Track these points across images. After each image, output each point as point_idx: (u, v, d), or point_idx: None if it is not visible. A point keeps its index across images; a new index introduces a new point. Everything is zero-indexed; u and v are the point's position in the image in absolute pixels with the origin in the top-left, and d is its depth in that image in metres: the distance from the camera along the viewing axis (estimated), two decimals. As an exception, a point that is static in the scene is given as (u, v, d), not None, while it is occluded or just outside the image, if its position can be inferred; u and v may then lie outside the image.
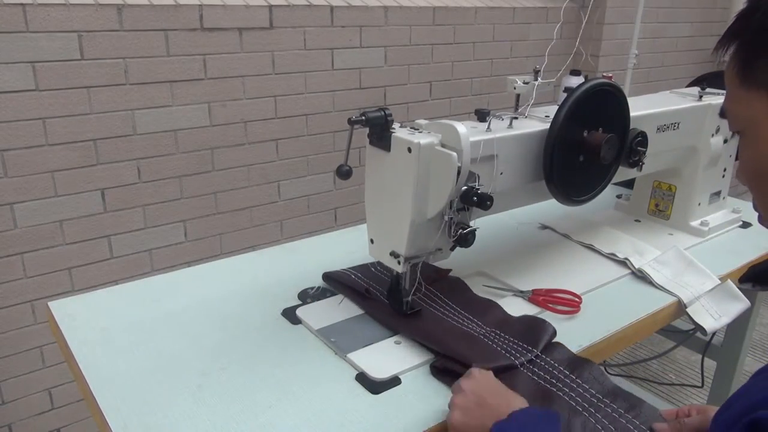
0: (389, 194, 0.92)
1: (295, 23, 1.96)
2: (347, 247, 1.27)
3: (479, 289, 1.11)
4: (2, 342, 1.71)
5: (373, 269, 1.16)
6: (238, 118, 1.94)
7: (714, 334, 1.19)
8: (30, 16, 1.52)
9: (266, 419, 0.79)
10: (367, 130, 0.91)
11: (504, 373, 0.85)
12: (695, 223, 1.41)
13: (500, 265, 1.21)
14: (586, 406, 0.80)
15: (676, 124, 1.28)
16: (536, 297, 1.08)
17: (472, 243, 0.92)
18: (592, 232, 1.37)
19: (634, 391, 1.93)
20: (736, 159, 0.86)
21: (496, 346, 0.92)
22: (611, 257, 1.26)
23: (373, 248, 1.00)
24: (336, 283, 1.12)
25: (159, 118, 1.79)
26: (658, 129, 1.24)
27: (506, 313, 1.02)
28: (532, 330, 0.95)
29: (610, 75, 1.10)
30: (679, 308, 1.13)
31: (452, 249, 0.97)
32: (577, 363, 0.89)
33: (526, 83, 1.06)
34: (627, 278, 1.20)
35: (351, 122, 0.85)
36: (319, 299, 1.08)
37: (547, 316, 1.04)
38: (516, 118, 1.05)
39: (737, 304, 1.15)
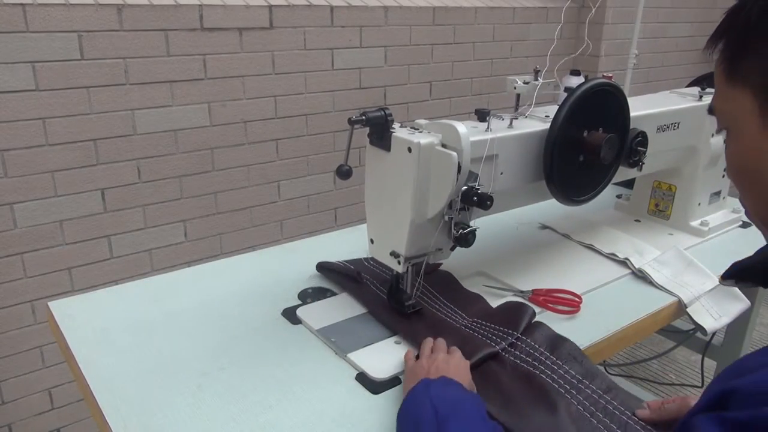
0: (389, 194, 0.92)
1: (295, 23, 1.96)
2: (347, 247, 1.27)
3: (479, 289, 1.11)
4: (2, 342, 1.71)
5: (366, 263, 1.18)
6: (238, 118, 1.94)
7: (714, 334, 1.19)
8: (30, 16, 1.52)
9: (266, 419, 0.79)
10: (367, 130, 0.91)
11: (487, 361, 0.89)
12: (695, 223, 1.41)
13: (500, 265, 1.21)
14: (568, 387, 0.83)
15: (676, 124, 1.28)
16: (536, 297, 1.08)
17: (472, 243, 0.92)
18: (592, 232, 1.37)
19: (634, 391, 1.93)
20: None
21: (478, 335, 0.94)
22: (611, 257, 1.26)
23: (374, 248, 1.00)
24: (329, 272, 1.15)
25: (159, 118, 1.79)
26: (658, 129, 1.24)
27: (489, 305, 1.05)
28: (512, 314, 0.98)
29: (610, 75, 1.10)
30: (679, 308, 1.13)
31: (452, 249, 0.97)
32: (557, 342, 0.93)
33: (526, 83, 1.06)
34: (627, 278, 1.20)
35: (351, 122, 0.85)
36: (318, 299, 1.08)
37: (547, 316, 1.04)
38: (516, 118, 1.05)
39: (737, 304, 1.15)
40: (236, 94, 1.91)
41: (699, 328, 1.12)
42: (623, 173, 1.20)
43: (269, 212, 2.12)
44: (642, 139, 1.16)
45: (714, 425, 0.43)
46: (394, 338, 0.97)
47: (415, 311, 1.00)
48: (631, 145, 1.15)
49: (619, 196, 1.55)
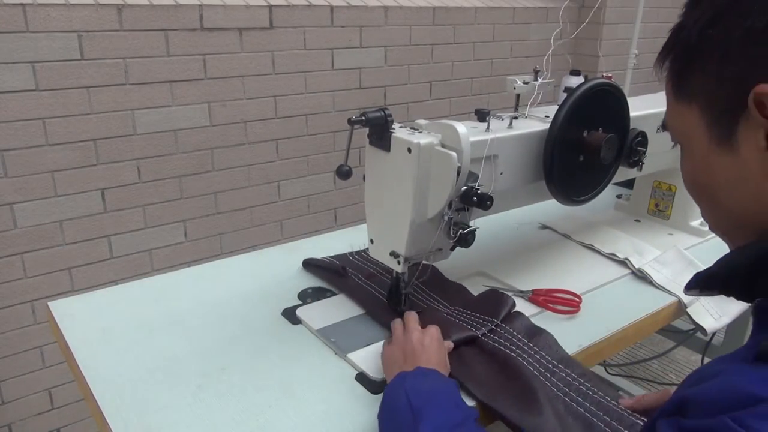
0: (389, 194, 0.92)
1: (295, 23, 1.96)
2: (347, 248, 1.27)
3: (479, 289, 1.11)
4: (2, 342, 1.71)
5: (351, 257, 1.21)
6: (238, 118, 1.94)
7: (714, 334, 1.19)
8: (30, 16, 1.52)
9: (266, 419, 0.79)
10: (367, 130, 0.91)
11: (468, 344, 0.92)
12: (695, 223, 1.41)
13: (500, 265, 1.21)
14: (543, 371, 0.86)
15: (676, 124, 1.28)
16: (536, 297, 1.08)
17: (472, 243, 0.92)
18: (592, 232, 1.37)
19: (634, 391, 1.93)
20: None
21: (460, 322, 0.97)
22: (611, 257, 1.26)
23: (373, 248, 1.00)
24: (314, 267, 1.18)
25: (159, 118, 1.79)
26: (658, 129, 1.24)
27: (471, 294, 1.08)
28: (493, 303, 1.01)
29: (610, 75, 1.10)
30: (679, 308, 1.13)
31: (452, 249, 0.97)
32: (534, 331, 0.96)
33: (526, 83, 1.06)
34: (627, 278, 1.20)
35: (351, 122, 0.85)
36: (318, 299, 1.08)
37: (547, 316, 1.04)
38: (516, 118, 1.05)
39: (737, 304, 1.15)
40: (236, 94, 1.91)
41: (699, 328, 1.12)
42: (623, 173, 1.20)
43: (269, 212, 2.12)
44: (642, 139, 1.16)
45: (670, 430, 0.45)
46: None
47: (418, 312, 1.00)
48: (631, 145, 1.15)
49: (619, 196, 1.55)
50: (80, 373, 0.88)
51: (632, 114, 1.11)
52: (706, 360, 1.56)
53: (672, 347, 1.55)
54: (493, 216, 1.01)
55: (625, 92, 1.10)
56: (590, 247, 1.31)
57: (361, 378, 0.87)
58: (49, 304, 1.05)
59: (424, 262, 0.98)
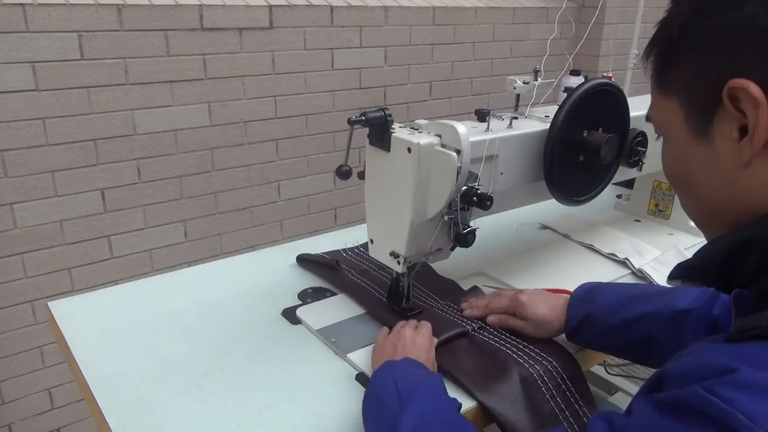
0: (389, 194, 0.92)
1: (295, 23, 1.96)
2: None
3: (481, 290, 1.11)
4: (2, 342, 1.71)
5: (344, 253, 1.22)
6: (238, 118, 1.94)
7: (714, 334, 1.18)
8: (30, 16, 1.52)
9: (266, 419, 0.79)
10: (367, 130, 0.91)
11: (458, 338, 0.94)
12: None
13: (500, 265, 1.21)
14: (531, 362, 0.88)
15: (676, 124, 1.28)
16: (536, 297, 1.08)
17: (472, 243, 0.92)
18: (592, 232, 1.37)
19: (634, 391, 1.92)
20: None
21: (451, 317, 0.99)
22: (611, 257, 1.26)
23: (373, 248, 1.00)
24: (308, 263, 1.19)
25: (159, 118, 1.79)
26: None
27: (462, 290, 1.09)
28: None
29: (610, 75, 1.10)
30: (679, 308, 1.13)
31: (452, 249, 0.97)
32: None
33: (526, 83, 1.06)
34: (627, 278, 1.20)
35: (351, 122, 0.85)
36: (318, 299, 1.08)
37: (547, 316, 1.04)
38: (516, 118, 1.05)
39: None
40: (236, 94, 1.91)
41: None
42: (623, 173, 1.20)
43: (269, 212, 2.12)
44: (642, 139, 1.16)
45: (648, 406, 0.47)
46: (394, 338, 0.97)
47: (416, 313, 1.00)
48: (631, 145, 1.14)
49: (619, 196, 1.55)
50: (80, 373, 0.88)
51: (632, 114, 1.11)
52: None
53: (672, 347, 1.55)
54: (493, 216, 1.01)
55: (625, 92, 1.10)
56: (590, 247, 1.31)
57: (361, 378, 0.87)
58: (49, 304, 1.05)
59: (431, 262, 0.99)
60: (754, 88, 0.46)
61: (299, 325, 1.01)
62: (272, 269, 1.20)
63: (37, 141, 1.61)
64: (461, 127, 0.87)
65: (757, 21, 0.46)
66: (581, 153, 1.05)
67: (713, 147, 0.51)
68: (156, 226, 1.88)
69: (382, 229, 0.97)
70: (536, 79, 1.06)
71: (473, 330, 0.96)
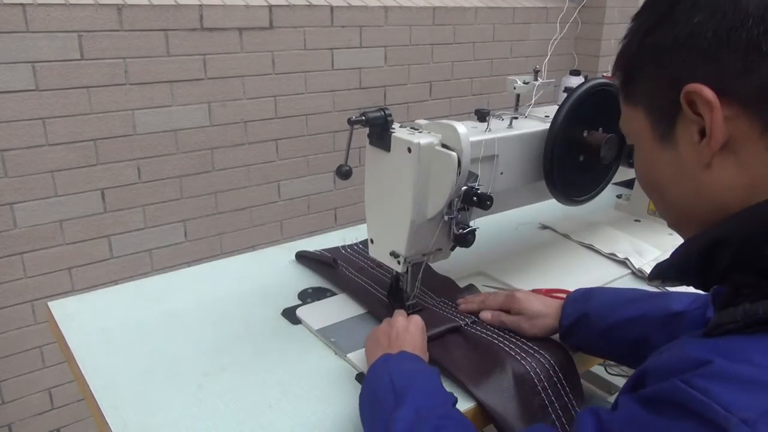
0: (389, 194, 0.92)
1: (295, 23, 1.96)
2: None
3: (479, 289, 1.11)
4: (2, 342, 1.71)
5: (342, 250, 1.22)
6: (238, 118, 1.94)
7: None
8: (30, 16, 1.52)
9: (266, 419, 0.79)
10: (367, 130, 0.91)
11: (452, 333, 0.95)
12: (695, 223, 1.41)
13: (500, 265, 1.21)
14: (523, 354, 0.90)
15: (676, 124, 1.28)
16: (536, 297, 1.08)
17: (472, 243, 0.92)
18: (592, 232, 1.37)
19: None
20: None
21: (444, 313, 1.00)
22: (611, 257, 1.26)
23: (373, 248, 1.00)
24: (307, 260, 1.20)
25: (159, 118, 1.79)
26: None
27: (458, 286, 1.10)
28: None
29: (610, 75, 1.10)
30: (679, 308, 1.13)
31: (452, 249, 0.97)
32: None
33: (526, 83, 1.06)
34: (627, 278, 1.20)
35: (351, 122, 0.85)
36: (318, 299, 1.08)
37: (547, 316, 1.04)
38: (516, 118, 1.05)
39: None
40: (236, 94, 1.91)
41: (699, 328, 1.12)
42: (623, 173, 1.20)
43: (269, 212, 2.12)
44: (641, 139, 1.16)
45: (631, 401, 0.49)
46: (394, 338, 0.97)
47: (417, 311, 1.00)
48: (630, 145, 1.14)
49: (619, 196, 1.55)
50: (80, 373, 0.88)
51: (632, 114, 1.11)
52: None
53: (672, 347, 1.55)
54: (493, 216, 1.01)
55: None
56: (590, 247, 1.31)
57: (361, 378, 0.87)
58: (49, 304, 1.05)
59: (431, 261, 0.99)
60: (708, 92, 0.49)
61: (299, 325, 1.01)
62: (272, 269, 1.20)
63: (37, 141, 1.61)
64: (461, 127, 0.87)
65: (704, 30, 0.50)
66: (581, 153, 1.05)
67: (678, 151, 0.54)
68: (156, 226, 1.88)
69: (382, 229, 0.97)
70: (536, 79, 1.06)
71: (466, 325, 0.97)
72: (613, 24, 2.74)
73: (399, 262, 0.94)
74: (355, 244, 1.26)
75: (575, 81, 1.36)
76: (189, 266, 1.26)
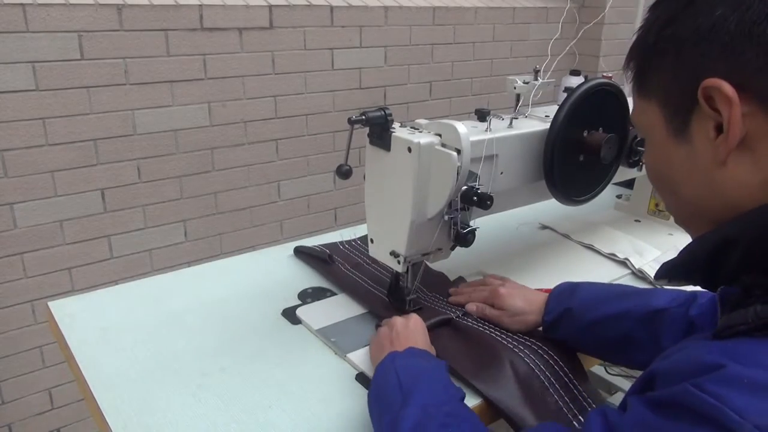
0: (389, 194, 0.92)
1: (295, 23, 1.96)
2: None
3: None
4: (2, 342, 1.71)
5: (341, 246, 1.23)
6: (238, 118, 1.94)
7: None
8: (30, 16, 1.53)
9: (266, 419, 0.79)
10: (367, 129, 0.91)
11: (446, 325, 0.97)
12: (695, 223, 1.41)
13: (500, 265, 1.21)
14: (515, 343, 0.91)
15: (676, 124, 1.28)
16: (536, 297, 1.08)
17: (472, 243, 0.92)
18: (592, 232, 1.37)
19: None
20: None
21: (437, 307, 1.02)
22: (611, 257, 1.26)
23: (373, 248, 1.00)
24: (304, 255, 1.21)
25: (159, 118, 1.79)
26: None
27: (449, 279, 1.12)
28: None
29: (610, 75, 1.10)
30: (679, 308, 1.13)
31: (452, 249, 0.97)
32: None
33: (526, 83, 1.06)
34: (627, 278, 1.20)
35: (351, 122, 0.85)
36: (318, 299, 1.08)
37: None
38: (516, 118, 1.05)
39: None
40: (236, 94, 1.91)
41: (699, 328, 1.12)
42: (623, 173, 1.20)
43: (269, 212, 2.12)
44: (642, 139, 1.16)
45: (640, 404, 0.48)
46: (394, 338, 0.97)
47: (416, 309, 1.00)
48: (631, 145, 1.15)
49: (619, 196, 1.55)
50: (80, 373, 0.88)
51: (632, 114, 1.11)
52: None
53: (672, 347, 1.55)
54: (493, 216, 1.01)
55: (625, 92, 1.09)
56: (590, 247, 1.31)
57: (361, 378, 0.87)
58: (49, 304, 1.05)
59: (431, 261, 0.99)
60: (727, 87, 0.48)
61: (299, 325, 1.01)
62: (272, 269, 1.20)
63: (37, 141, 1.61)
64: (461, 127, 0.87)
65: (727, 23, 0.48)
66: (581, 153, 1.05)
67: (692, 146, 0.53)
68: (156, 226, 1.88)
69: (382, 228, 0.97)
70: (536, 79, 1.06)
71: (457, 317, 0.98)
72: (613, 24, 2.74)
73: (399, 262, 0.94)
74: (353, 240, 1.26)
75: (575, 81, 1.36)
76: (189, 266, 1.26)
